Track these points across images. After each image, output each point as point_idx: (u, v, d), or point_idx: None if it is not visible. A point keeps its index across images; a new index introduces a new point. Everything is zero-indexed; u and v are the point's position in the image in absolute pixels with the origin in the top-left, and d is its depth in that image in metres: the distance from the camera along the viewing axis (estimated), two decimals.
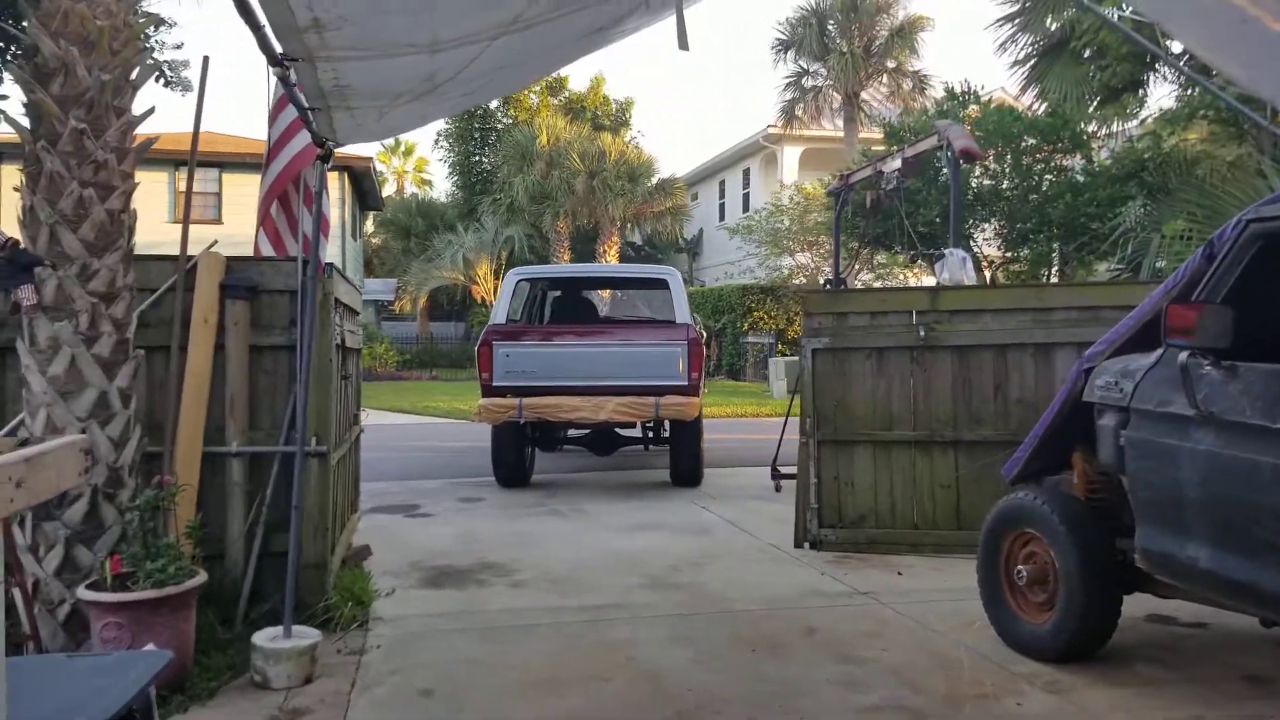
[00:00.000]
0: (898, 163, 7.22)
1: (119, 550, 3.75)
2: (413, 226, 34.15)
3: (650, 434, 9.42)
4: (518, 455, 8.77)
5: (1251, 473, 2.87)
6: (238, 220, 18.45)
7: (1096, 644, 3.91)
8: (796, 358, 22.16)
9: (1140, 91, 10.04)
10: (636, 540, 6.66)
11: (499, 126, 33.69)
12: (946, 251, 6.29)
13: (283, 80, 3.01)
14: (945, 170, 9.91)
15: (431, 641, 4.44)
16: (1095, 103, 9.80)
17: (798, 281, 22.05)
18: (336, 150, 4.20)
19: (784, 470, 8.80)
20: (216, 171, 22.72)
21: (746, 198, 31.88)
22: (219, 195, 23.22)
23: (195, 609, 3.80)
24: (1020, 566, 4.12)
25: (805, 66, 21.39)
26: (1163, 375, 3.31)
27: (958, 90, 11.38)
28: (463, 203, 32.71)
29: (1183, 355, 3.03)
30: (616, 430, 9.00)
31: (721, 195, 34.18)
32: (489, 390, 8.25)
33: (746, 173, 32.23)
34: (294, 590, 4.09)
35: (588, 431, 9.13)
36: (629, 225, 29.38)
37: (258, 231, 4.80)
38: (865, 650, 4.23)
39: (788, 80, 21.63)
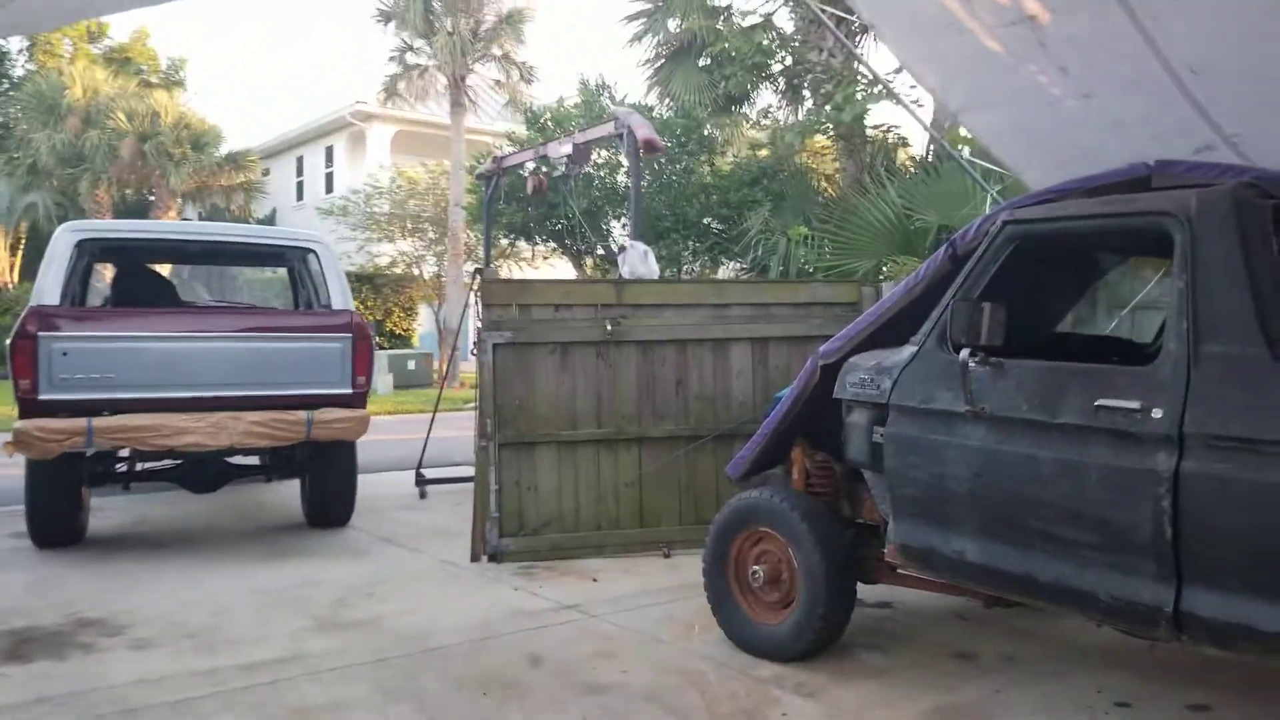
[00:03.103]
0: (568, 148, 6.93)
1: None
2: None
3: (277, 459, 6.73)
4: (70, 499, 5.94)
5: (1028, 467, 3.00)
6: None
7: (834, 639, 3.97)
8: (400, 352, 21.22)
9: (750, 101, 10.97)
10: (280, 571, 5.60)
11: (14, 75, 27.73)
12: (628, 244, 6.16)
13: None
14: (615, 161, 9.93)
15: None
16: (715, 109, 10.49)
17: (398, 271, 21.06)
18: None
19: (428, 475, 8.22)
20: None
21: (330, 177, 29.84)
22: None
23: None
24: (755, 567, 4.06)
25: (409, 42, 20.40)
26: (924, 371, 3.38)
27: (593, 84, 11.52)
28: None
29: (963, 353, 3.08)
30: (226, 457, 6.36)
31: (300, 173, 31.63)
32: (34, 407, 5.43)
33: (330, 150, 30.17)
34: None
35: (178, 460, 6.31)
36: (192, 199, 25.90)
37: None
38: (605, 675, 3.87)
39: (391, 55, 20.47)
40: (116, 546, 6.22)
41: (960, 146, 7.34)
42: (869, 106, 9.08)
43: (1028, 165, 5.08)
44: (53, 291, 5.68)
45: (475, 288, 7.73)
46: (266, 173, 29.79)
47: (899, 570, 3.74)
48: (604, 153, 10.12)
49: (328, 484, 6.63)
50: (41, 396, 5.39)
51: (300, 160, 31.44)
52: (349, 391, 6.14)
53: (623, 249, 6.18)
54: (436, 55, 19.98)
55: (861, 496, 4.04)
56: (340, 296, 6.41)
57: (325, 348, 6.12)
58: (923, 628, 4.47)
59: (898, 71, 10.38)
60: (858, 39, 10.75)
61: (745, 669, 3.91)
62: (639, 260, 6.06)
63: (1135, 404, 2.78)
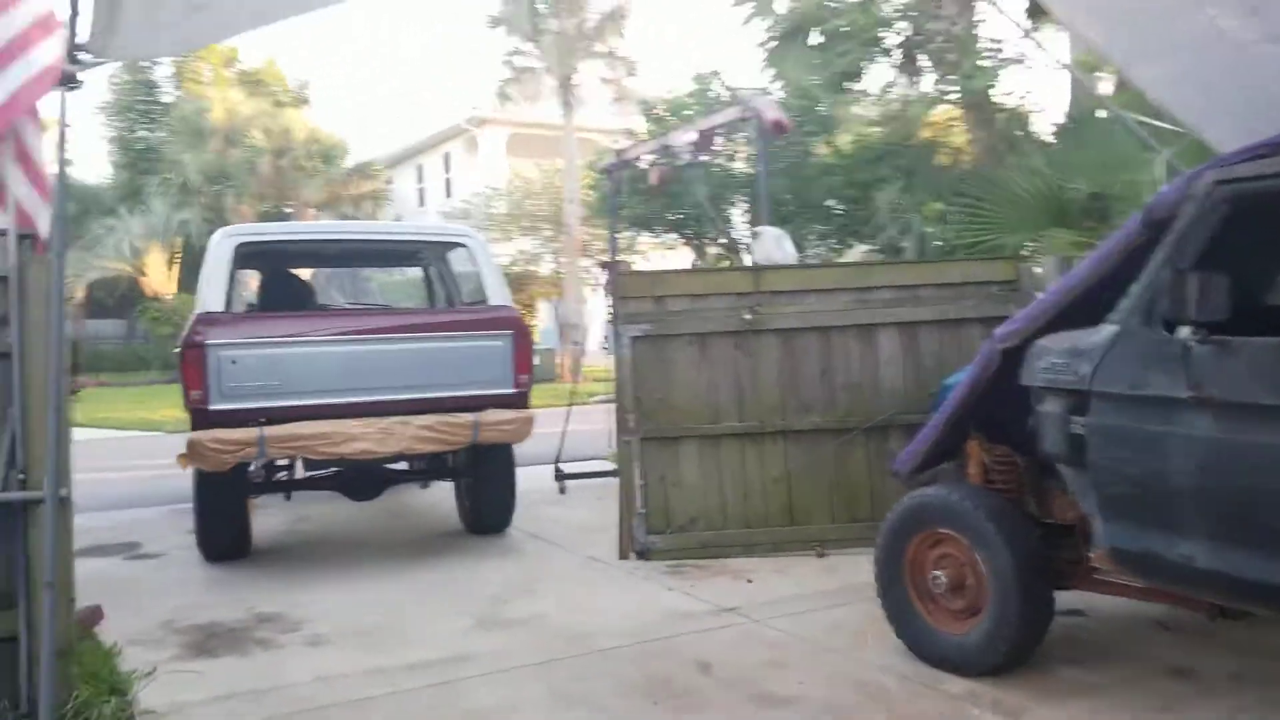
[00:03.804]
0: (693, 135, 6.79)
1: None
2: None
3: (436, 463, 6.54)
4: (239, 511, 5.83)
5: (1270, 458, 2.67)
6: None
7: (1029, 652, 3.65)
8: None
9: (861, 77, 10.59)
10: (435, 568, 5.69)
11: (164, 101, 29.51)
12: (759, 230, 5.96)
13: None
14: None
15: None
16: (829, 88, 10.15)
17: (517, 269, 21.40)
18: None
19: (566, 470, 8.24)
20: None
21: (449, 182, 30.66)
22: None
23: None
24: (935, 571, 3.78)
25: (518, 46, 20.72)
26: (1130, 353, 3.08)
27: (704, 73, 11.37)
28: (124, 184, 28.19)
29: (1181, 331, 2.78)
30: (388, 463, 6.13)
31: (420, 180, 32.62)
32: (206, 418, 5.24)
33: (447, 156, 31.00)
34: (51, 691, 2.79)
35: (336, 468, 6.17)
36: (325, 210, 27.06)
37: None
38: (780, 686, 3.70)
39: (503, 60, 20.86)
40: (279, 544, 6.46)
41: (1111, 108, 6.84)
42: (998, 73, 8.60)
43: (1209, 122, 4.62)
44: (217, 298, 5.51)
45: (607, 282, 7.74)
46: (389, 181, 30.84)
47: (1102, 575, 3.42)
48: (719, 140, 9.90)
49: (488, 488, 6.36)
50: (212, 407, 5.24)
51: (420, 168, 32.39)
52: (512, 391, 5.85)
53: (755, 235, 5.96)
54: (544, 56, 20.18)
55: (1050, 493, 3.72)
56: (498, 291, 6.11)
57: (488, 345, 5.84)
58: (1124, 639, 4.08)
59: (1028, 34, 9.82)
60: (973, 4, 10.23)
61: (931, 683, 3.64)
62: (773, 245, 5.85)
63: None
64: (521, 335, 5.96)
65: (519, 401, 5.87)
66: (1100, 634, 4.14)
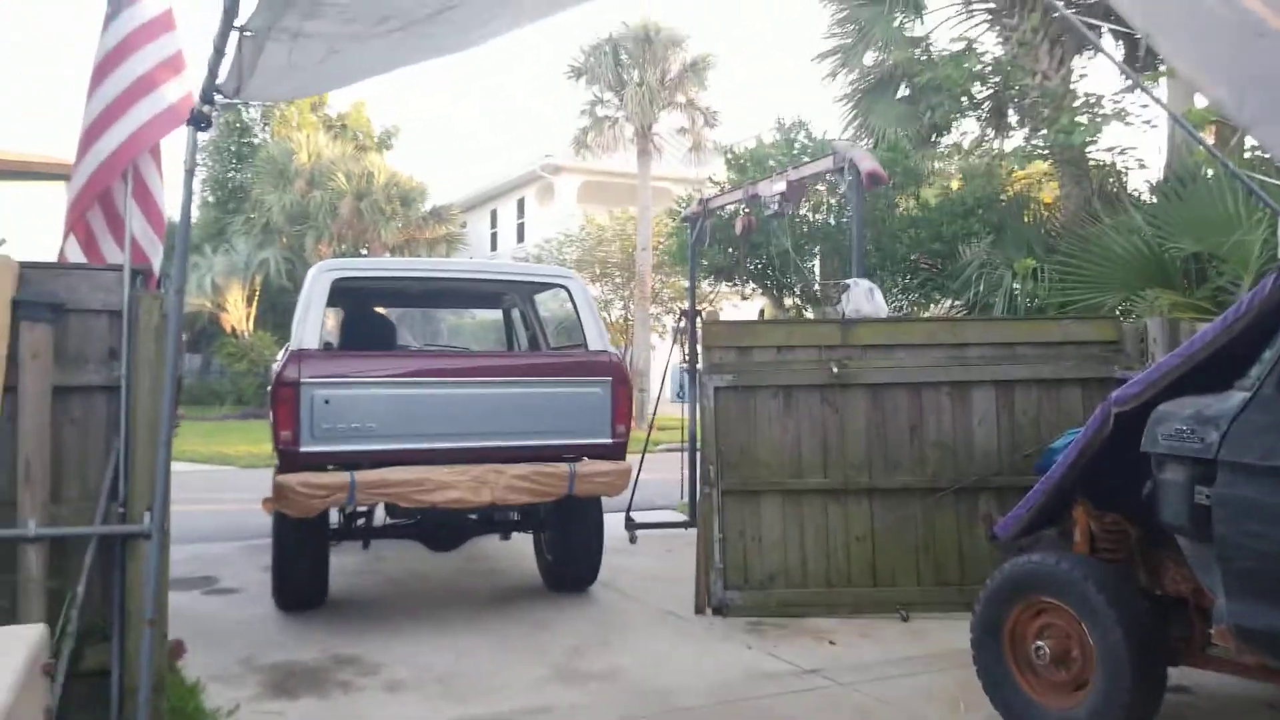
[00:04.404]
0: (781, 185, 6.74)
1: None
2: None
3: (524, 515, 6.23)
4: (318, 560, 5.54)
5: None
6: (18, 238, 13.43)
7: None
8: None
9: (949, 131, 10.48)
10: (510, 615, 5.61)
11: (255, 141, 30.70)
12: (850, 282, 5.86)
13: None
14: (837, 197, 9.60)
15: None
16: (918, 141, 10.06)
17: None
18: None
19: (638, 519, 8.11)
20: None
21: (521, 228, 31.16)
22: None
23: None
24: (1038, 642, 3.60)
25: (599, 95, 21.11)
26: (1263, 421, 2.91)
27: (786, 123, 11.38)
28: (211, 222, 29.33)
29: None
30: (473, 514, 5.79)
31: (494, 224, 33.23)
32: (295, 460, 4.96)
33: (521, 202, 31.54)
34: None
35: (417, 516, 5.84)
36: (400, 252, 27.68)
37: (65, 236, 3.38)
38: None
39: (583, 109, 21.24)
40: (355, 587, 6.42)
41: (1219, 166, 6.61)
42: (1100, 128, 8.40)
43: None
44: (312, 336, 5.20)
45: (683, 331, 7.67)
46: (464, 225, 31.49)
47: (1217, 652, 3.22)
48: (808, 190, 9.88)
49: (576, 544, 5.97)
50: (303, 449, 4.94)
51: (494, 213, 33.03)
52: (609, 441, 5.52)
53: (845, 287, 5.86)
54: (625, 106, 20.50)
55: (1163, 564, 3.54)
56: (597, 336, 5.79)
57: (587, 393, 5.52)
58: (1232, 719, 3.88)
59: (1128, 90, 9.62)
60: (1068, 59, 10.08)
61: None
62: (864, 298, 5.73)
63: None
64: (621, 382, 5.62)
65: (616, 452, 5.56)
66: (1207, 712, 3.94)
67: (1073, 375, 5.52)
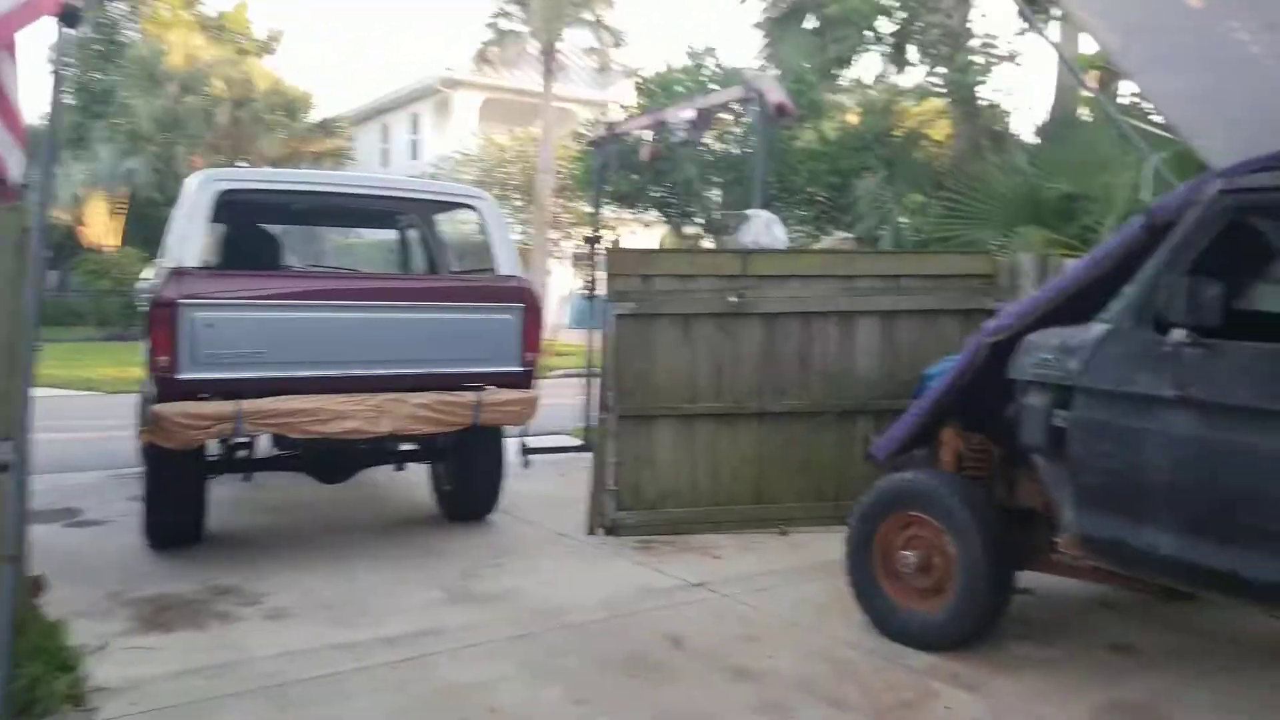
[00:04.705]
0: (691, 113, 6.69)
1: None
2: None
3: (424, 445, 5.84)
4: (195, 495, 5.14)
5: (1245, 458, 2.75)
6: None
7: (990, 629, 3.81)
8: None
9: (852, 64, 10.61)
10: (400, 539, 5.58)
11: (121, 40, 28.45)
12: (750, 213, 5.92)
13: None
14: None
15: None
16: (822, 74, 10.14)
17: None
18: None
19: (532, 444, 8.14)
20: None
21: (415, 145, 30.11)
22: None
23: None
24: (904, 552, 3.88)
25: (503, 7, 20.29)
26: (1120, 352, 3.13)
27: (697, 49, 11.24)
28: (72, 128, 27.16)
29: (1175, 333, 2.83)
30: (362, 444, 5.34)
31: (385, 139, 31.99)
32: (173, 388, 4.57)
33: (416, 118, 30.40)
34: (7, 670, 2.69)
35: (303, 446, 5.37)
36: (283, 165, 26.35)
37: None
38: (752, 660, 3.75)
39: (487, 23, 20.40)
40: (233, 519, 6.04)
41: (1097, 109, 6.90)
42: (991, 68, 8.65)
43: (1204, 133, 4.67)
44: (193, 252, 4.79)
45: (584, 258, 7.61)
46: (351, 139, 30.18)
47: (1062, 559, 3.53)
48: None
49: (477, 474, 5.79)
50: (182, 376, 4.58)
51: (386, 127, 31.75)
52: (518, 369, 5.37)
53: (745, 218, 5.92)
54: (531, 20, 19.80)
55: (1019, 481, 3.84)
56: (508, 260, 5.53)
57: (496, 319, 5.33)
58: (1070, 617, 4.27)
59: (1022, 33, 9.90)
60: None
61: (895, 658, 3.76)
62: (762, 230, 5.82)
63: None
64: (533, 309, 5.46)
65: (524, 381, 5.41)
66: (1048, 611, 4.30)
67: (951, 306, 5.78)
